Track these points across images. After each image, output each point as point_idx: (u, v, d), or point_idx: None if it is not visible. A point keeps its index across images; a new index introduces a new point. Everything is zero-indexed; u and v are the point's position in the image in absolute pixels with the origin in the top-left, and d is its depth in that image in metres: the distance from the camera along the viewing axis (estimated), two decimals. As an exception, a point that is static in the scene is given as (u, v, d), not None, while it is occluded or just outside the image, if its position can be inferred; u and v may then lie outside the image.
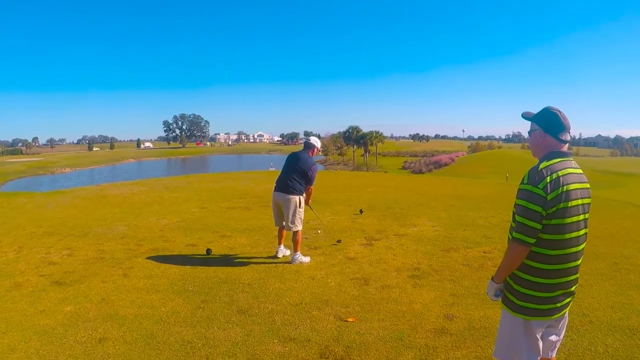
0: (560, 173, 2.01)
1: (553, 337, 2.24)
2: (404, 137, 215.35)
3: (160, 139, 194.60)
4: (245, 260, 5.65)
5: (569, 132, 2.11)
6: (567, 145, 2.12)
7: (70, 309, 4.12)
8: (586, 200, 2.10)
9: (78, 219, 8.62)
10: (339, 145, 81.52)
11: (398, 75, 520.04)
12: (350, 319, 3.83)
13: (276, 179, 5.67)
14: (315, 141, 5.78)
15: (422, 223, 7.84)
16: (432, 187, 14.16)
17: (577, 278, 2.16)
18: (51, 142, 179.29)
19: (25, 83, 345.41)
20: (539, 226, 2.00)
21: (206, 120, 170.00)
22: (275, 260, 5.61)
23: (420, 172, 58.41)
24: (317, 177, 5.81)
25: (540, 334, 2.16)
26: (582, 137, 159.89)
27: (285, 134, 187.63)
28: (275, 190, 5.59)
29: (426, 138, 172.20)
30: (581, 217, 2.07)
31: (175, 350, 3.34)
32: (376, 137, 69.97)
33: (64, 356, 3.26)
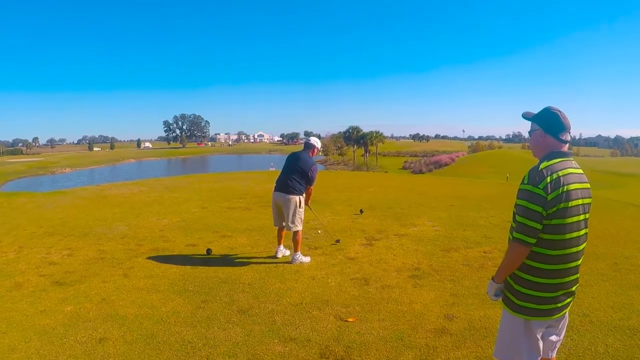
0: (560, 173, 2.01)
1: (553, 337, 2.24)
2: (404, 137, 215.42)
3: (161, 139, 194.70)
4: (246, 260, 5.65)
5: (569, 132, 2.12)
6: (567, 145, 2.12)
7: (71, 309, 4.12)
8: (586, 200, 2.10)
9: (78, 219, 8.62)
10: (339, 145, 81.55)
11: (398, 75, 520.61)
12: (350, 319, 3.83)
13: (276, 179, 5.67)
14: (316, 141, 5.78)
15: (423, 223, 7.84)
16: (433, 187, 14.16)
17: (578, 278, 2.16)
18: (51, 142, 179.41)
19: (25, 83, 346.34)
20: (539, 226, 2.00)
21: (206, 121, 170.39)
22: (276, 260, 5.61)
23: (421, 172, 58.43)
24: (318, 177, 5.81)
25: (540, 334, 2.16)
26: (583, 137, 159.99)
27: (285, 134, 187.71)
28: (275, 190, 5.59)
29: (426, 138, 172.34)
30: (581, 217, 2.07)
31: (175, 350, 3.34)
32: (376, 137, 70.01)
33: (64, 356, 3.26)
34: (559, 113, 2.10)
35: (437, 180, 20.95)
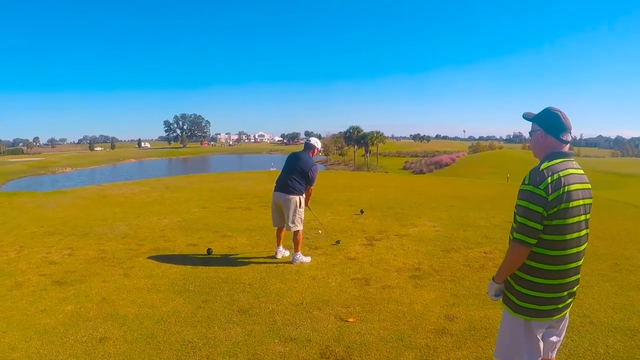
0: (561, 174, 2.01)
1: (554, 338, 2.24)
2: (404, 138, 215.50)
3: (161, 138, 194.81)
4: (246, 260, 5.65)
5: (570, 133, 2.11)
6: (568, 145, 2.12)
7: (71, 308, 4.13)
8: (587, 201, 2.10)
9: (79, 218, 8.63)
10: (339, 145, 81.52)
11: (398, 75, 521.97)
12: (351, 319, 3.83)
13: (276, 179, 5.67)
14: (316, 142, 5.79)
15: (423, 223, 7.83)
16: (433, 187, 14.15)
17: (579, 279, 2.16)
18: (52, 142, 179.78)
19: (25, 83, 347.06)
20: (540, 227, 2.00)
21: (207, 120, 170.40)
22: (276, 261, 5.61)
23: (421, 172, 58.44)
24: (318, 178, 5.81)
25: (541, 334, 2.16)
26: (583, 138, 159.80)
27: (286, 134, 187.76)
28: (275, 190, 5.59)
29: (427, 138, 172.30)
30: (582, 217, 2.07)
31: (175, 350, 3.34)
32: (377, 137, 69.98)
33: (64, 355, 3.26)
34: (559, 113, 2.10)
35: (437, 180, 20.93)
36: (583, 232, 2.09)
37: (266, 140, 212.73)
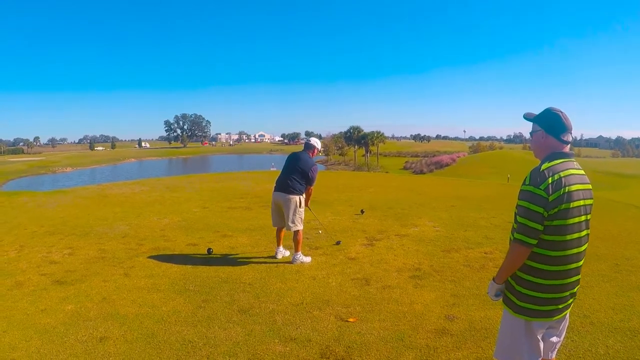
0: (562, 174, 2.01)
1: (554, 338, 2.24)
2: (405, 138, 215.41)
3: (162, 138, 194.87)
4: (246, 260, 5.65)
5: (571, 133, 2.11)
6: (568, 146, 2.12)
7: (71, 308, 4.13)
8: (588, 201, 2.10)
9: (79, 218, 8.63)
10: (340, 145, 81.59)
11: (398, 76, 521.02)
12: (351, 319, 3.83)
13: (276, 179, 5.67)
14: (316, 142, 5.79)
15: (423, 223, 7.83)
16: (433, 187, 14.15)
17: (579, 279, 2.16)
18: (52, 142, 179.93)
19: (26, 83, 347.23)
20: (540, 227, 2.00)
21: (207, 120, 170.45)
22: (276, 260, 5.61)
23: (422, 172, 58.41)
24: (318, 178, 5.82)
25: (541, 335, 2.16)
26: (584, 138, 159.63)
27: (286, 134, 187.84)
28: (275, 190, 5.59)
29: (427, 138, 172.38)
30: (583, 218, 2.07)
31: (176, 349, 3.34)
32: (377, 137, 70.01)
33: (64, 355, 3.27)
34: (560, 114, 2.10)
35: (438, 180, 20.93)
36: (584, 233, 2.09)
37: (266, 140, 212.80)
